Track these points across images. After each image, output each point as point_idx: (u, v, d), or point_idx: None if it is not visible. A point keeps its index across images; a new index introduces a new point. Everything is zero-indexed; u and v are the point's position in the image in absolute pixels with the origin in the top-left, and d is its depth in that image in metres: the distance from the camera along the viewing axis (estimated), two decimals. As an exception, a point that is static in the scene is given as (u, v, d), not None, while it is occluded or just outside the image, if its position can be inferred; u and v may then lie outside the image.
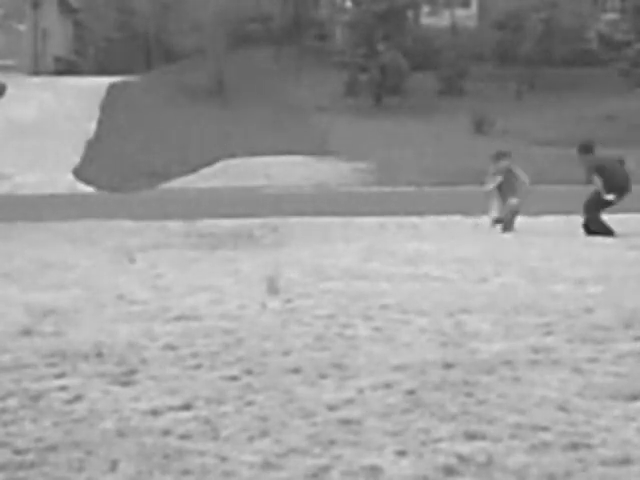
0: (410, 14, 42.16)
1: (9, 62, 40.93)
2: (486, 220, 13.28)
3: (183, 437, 4.08)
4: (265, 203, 18.33)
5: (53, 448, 3.95)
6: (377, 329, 6.17)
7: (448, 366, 5.14)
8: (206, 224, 13.11)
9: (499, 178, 13.48)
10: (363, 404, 4.49)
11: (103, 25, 49.58)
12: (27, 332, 6.20)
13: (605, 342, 5.65)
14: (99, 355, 5.53)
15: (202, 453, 3.87)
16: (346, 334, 6.04)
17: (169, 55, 47.25)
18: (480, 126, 31.99)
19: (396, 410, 4.38)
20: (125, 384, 4.95)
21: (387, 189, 22.82)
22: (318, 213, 15.03)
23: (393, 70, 36.87)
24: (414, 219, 13.70)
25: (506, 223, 13.07)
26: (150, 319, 6.57)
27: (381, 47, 37.09)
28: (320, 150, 29.27)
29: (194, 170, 27.21)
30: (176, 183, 26.09)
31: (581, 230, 12.00)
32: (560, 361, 5.22)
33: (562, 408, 4.37)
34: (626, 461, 3.71)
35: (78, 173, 27.22)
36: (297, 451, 3.88)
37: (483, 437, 3.99)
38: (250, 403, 4.56)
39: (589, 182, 12.82)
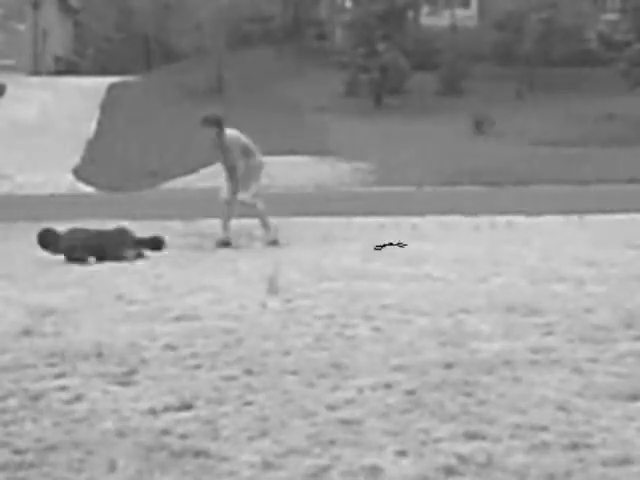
0: (410, 14, 42.16)
1: (9, 62, 40.93)
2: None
3: (183, 437, 4.08)
4: (265, 203, 18.31)
5: (53, 448, 3.95)
6: (377, 329, 6.17)
7: (448, 366, 5.14)
8: (206, 224, 13.11)
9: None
10: (363, 404, 4.49)
11: (103, 25, 49.61)
12: (27, 332, 6.20)
13: (605, 342, 5.65)
14: (99, 355, 5.53)
15: (202, 453, 3.87)
16: (346, 334, 6.04)
17: (169, 55, 47.28)
18: (480, 126, 32.00)
19: (396, 410, 4.38)
20: (125, 384, 4.95)
21: (387, 189, 22.82)
22: (318, 213, 15.03)
23: (393, 70, 36.88)
24: (414, 219, 13.69)
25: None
26: (150, 319, 6.57)
27: (381, 47, 37.07)
28: (320, 150, 29.26)
29: (194, 170, 27.20)
30: (176, 183, 26.11)
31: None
32: (560, 361, 5.22)
33: (562, 408, 4.37)
34: (626, 461, 3.71)
35: (78, 173, 27.22)
36: (297, 451, 3.88)
37: (483, 437, 3.99)
38: (250, 403, 4.56)
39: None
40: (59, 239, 10.15)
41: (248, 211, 11.59)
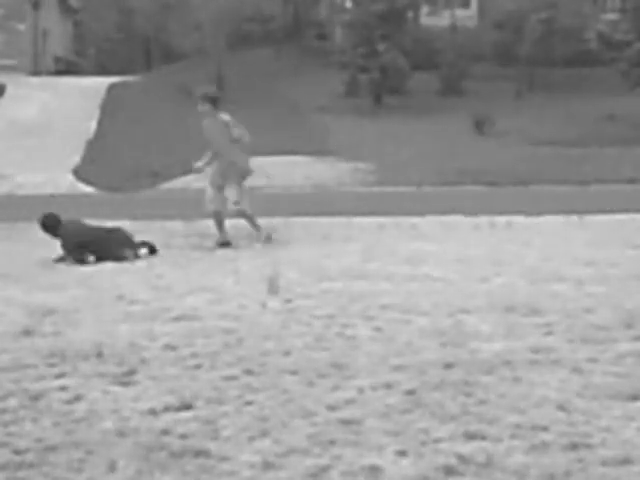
0: (410, 14, 42.15)
1: (9, 62, 40.92)
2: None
3: (183, 437, 4.08)
4: (265, 203, 18.31)
5: (53, 448, 3.96)
6: (377, 329, 6.17)
7: (448, 366, 5.14)
8: (206, 224, 13.10)
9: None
10: (363, 404, 4.49)
11: (103, 25, 49.62)
12: (27, 332, 6.20)
13: (605, 342, 5.65)
14: (99, 355, 5.53)
15: (202, 453, 3.87)
16: (346, 334, 6.04)
17: (169, 55, 47.29)
18: (480, 126, 31.99)
19: (396, 410, 4.38)
20: (125, 384, 4.95)
21: (387, 189, 22.81)
22: (318, 213, 15.02)
23: (393, 70, 36.86)
24: (414, 219, 13.68)
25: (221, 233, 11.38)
26: (150, 319, 6.57)
27: (381, 47, 37.06)
28: (320, 150, 29.23)
29: (194, 170, 27.20)
30: (176, 183, 26.08)
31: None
32: (560, 361, 5.22)
33: (562, 408, 4.37)
34: (626, 461, 3.72)
35: (78, 173, 27.18)
36: (297, 451, 3.88)
37: (483, 437, 3.99)
38: (250, 403, 4.56)
39: None
40: (60, 225, 10.30)
41: (235, 215, 11.53)
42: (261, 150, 29.62)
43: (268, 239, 11.22)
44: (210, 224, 11.78)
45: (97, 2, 49.92)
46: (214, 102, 11.29)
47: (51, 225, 10.41)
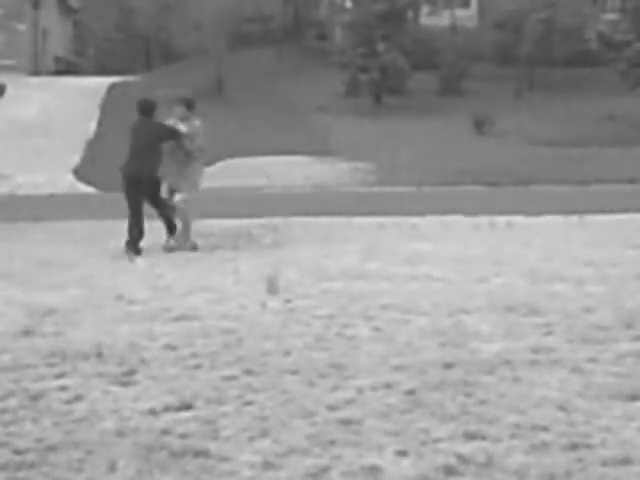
0: (410, 14, 42.15)
1: (9, 62, 40.91)
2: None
3: (183, 437, 4.08)
4: (265, 203, 18.32)
5: (53, 448, 3.96)
6: (377, 329, 6.17)
7: (448, 366, 5.14)
8: (206, 224, 13.11)
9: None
10: (363, 404, 4.49)
11: (103, 25, 49.62)
12: (27, 332, 6.20)
13: (605, 342, 5.65)
14: (99, 355, 5.53)
15: (202, 453, 3.87)
16: (346, 334, 6.04)
17: (169, 55, 47.29)
18: (480, 126, 32.00)
19: (396, 410, 4.38)
20: (125, 384, 4.95)
21: (387, 189, 22.82)
22: (318, 213, 15.01)
23: (393, 70, 36.87)
24: (414, 219, 13.68)
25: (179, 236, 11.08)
26: (150, 319, 6.57)
27: (381, 47, 37.08)
28: (320, 150, 29.25)
29: (194, 170, 27.21)
30: (176, 183, 26.11)
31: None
32: (560, 361, 5.23)
33: (562, 408, 4.37)
34: (626, 461, 3.72)
35: (78, 173, 27.20)
36: (297, 451, 3.88)
37: (483, 437, 3.99)
38: (250, 403, 4.56)
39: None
40: (156, 106, 10.99)
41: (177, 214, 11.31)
42: (261, 150, 29.65)
43: (170, 248, 11.02)
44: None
45: (97, 2, 49.91)
46: (191, 106, 11.15)
47: (148, 108, 10.85)
